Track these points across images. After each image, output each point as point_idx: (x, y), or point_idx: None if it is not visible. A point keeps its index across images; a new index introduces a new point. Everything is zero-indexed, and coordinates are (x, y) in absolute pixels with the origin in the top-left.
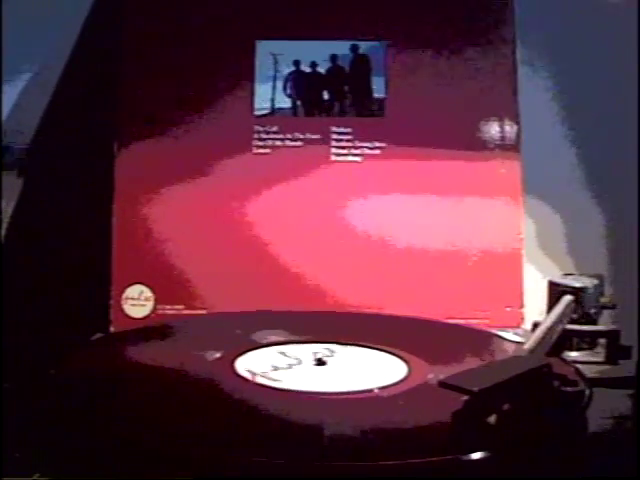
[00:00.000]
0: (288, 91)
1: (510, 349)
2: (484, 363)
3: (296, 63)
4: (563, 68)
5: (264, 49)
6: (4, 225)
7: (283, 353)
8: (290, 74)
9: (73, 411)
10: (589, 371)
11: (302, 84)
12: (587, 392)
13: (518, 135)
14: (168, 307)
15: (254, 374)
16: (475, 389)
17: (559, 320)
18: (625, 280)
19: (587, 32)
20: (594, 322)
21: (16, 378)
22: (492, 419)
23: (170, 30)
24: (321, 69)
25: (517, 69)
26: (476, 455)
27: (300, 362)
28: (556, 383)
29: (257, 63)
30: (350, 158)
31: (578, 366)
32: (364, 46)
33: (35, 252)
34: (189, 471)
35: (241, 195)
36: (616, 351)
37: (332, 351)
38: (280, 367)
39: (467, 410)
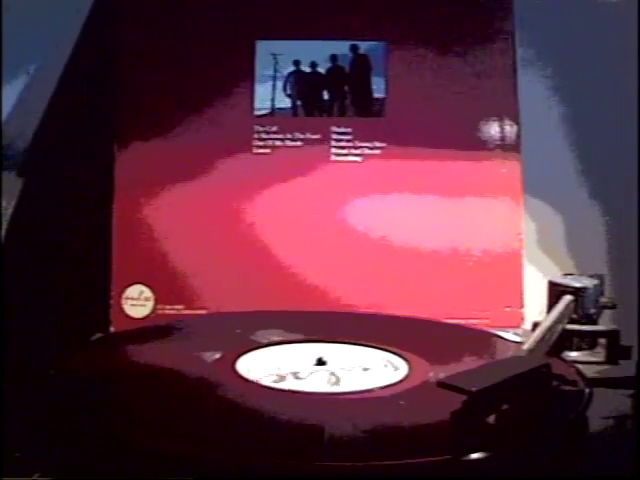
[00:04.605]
0: (288, 91)
1: (510, 349)
2: (483, 363)
3: (296, 63)
4: (563, 68)
5: (264, 49)
6: (4, 225)
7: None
8: (290, 74)
9: (73, 411)
10: (589, 371)
11: (302, 84)
12: (587, 392)
13: (518, 135)
14: (168, 307)
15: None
16: (473, 389)
17: (559, 320)
18: (625, 280)
19: (587, 32)
20: (594, 322)
21: (16, 378)
22: (491, 419)
23: (170, 30)
24: (321, 69)
25: (517, 69)
26: (475, 455)
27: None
28: (556, 383)
29: (257, 63)
30: (350, 158)
31: (578, 366)
32: (364, 46)
33: (35, 252)
34: (189, 471)
35: (241, 195)
36: (616, 351)
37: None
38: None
39: (465, 410)
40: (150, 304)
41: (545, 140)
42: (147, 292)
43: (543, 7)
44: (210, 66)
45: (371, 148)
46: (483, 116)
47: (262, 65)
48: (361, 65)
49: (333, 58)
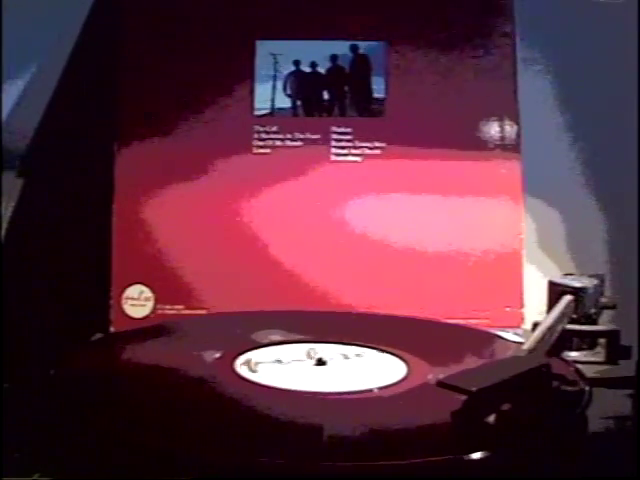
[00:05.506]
0: (288, 91)
1: (510, 349)
2: (483, 363)
3: (296, 63)
4: (563, 68)
5: (264, 49)
6: (4, 225)
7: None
8: (290, 74)
9: (73, 411)
10: (589, 371)
11: (302, 84)
12: (587, 392)
13: (518, 135)
14: (168, 307)
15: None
16: (473, 389)
17: (559, 320)
18: (625, 280)
19: (587, 32)
20: (594, 322)
21: (16, 378)
22: (491, 419)
23: (170, 30)
24: (321, 69)
25: (517, 69)
26: (476, 455)
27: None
28: (556, 383)
29: (257, 63)
30: (350, 158)
31: (578, 366)
32: (364, 46)
33: (35, 252)
34: (189, 471)
35: (241, 195)
36: (616, 351)
37: (338, 352)
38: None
39: (465, 410)
40: (150, 304)
41: (545, 140)
42: (147, 292)
43: (543, 7)
44: (210, 66)
45: (371, 148)
46: (483, 116)
47: (262, 65)
48: (361, 65)
49: (333, 58)
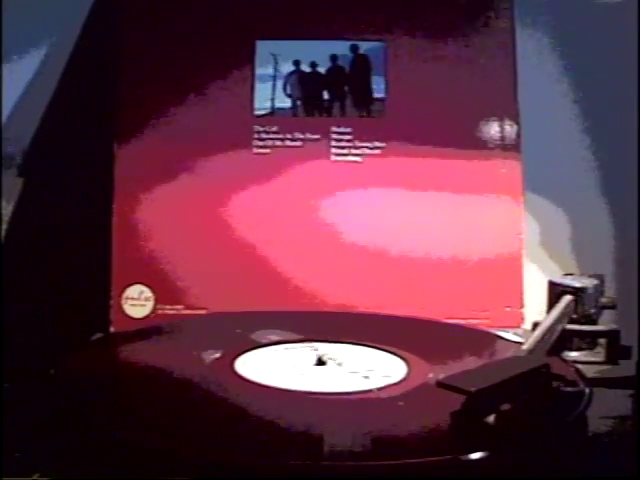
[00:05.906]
0: (288, 91)
1: (510, 349)
2: (483, 363)
3: (296, 63)
4: (563, 68)
5: (264, 49)
6: (4, 225)
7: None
8: (290, 74)
9: (73, 411)
10: (589, 371)
11: (302, 84)
12: (587, 392)
13: (518, 135)
14: (168, 307)
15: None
16: (472, 389)
17: (559, 320)
18: (625, 280)
19: (587, 31)
20: (594, 322)
21: (16, 378)
22: (491, 419)
23: (170, 30)
24: (321, 69)
25: (517, 68)
26: (475, 455)
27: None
28: (556, 383)
29: (257, 63)
30: (350, 158)
31: (578, 366)
32: (364, 46)
33: (35, 252)
34: (189, 472)
35: (241, 195)
36: (616, 351)
37: (332, 350)
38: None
39: (465, 410)
40: (150, 304)
41: (545, 140)
42: (147, 292)
43: (543, 6)
44: (210, 66)
45: (371, 148)
46: (483, 116)
47: (262, 65)
48: (361, 65)
49: (333, 58)
